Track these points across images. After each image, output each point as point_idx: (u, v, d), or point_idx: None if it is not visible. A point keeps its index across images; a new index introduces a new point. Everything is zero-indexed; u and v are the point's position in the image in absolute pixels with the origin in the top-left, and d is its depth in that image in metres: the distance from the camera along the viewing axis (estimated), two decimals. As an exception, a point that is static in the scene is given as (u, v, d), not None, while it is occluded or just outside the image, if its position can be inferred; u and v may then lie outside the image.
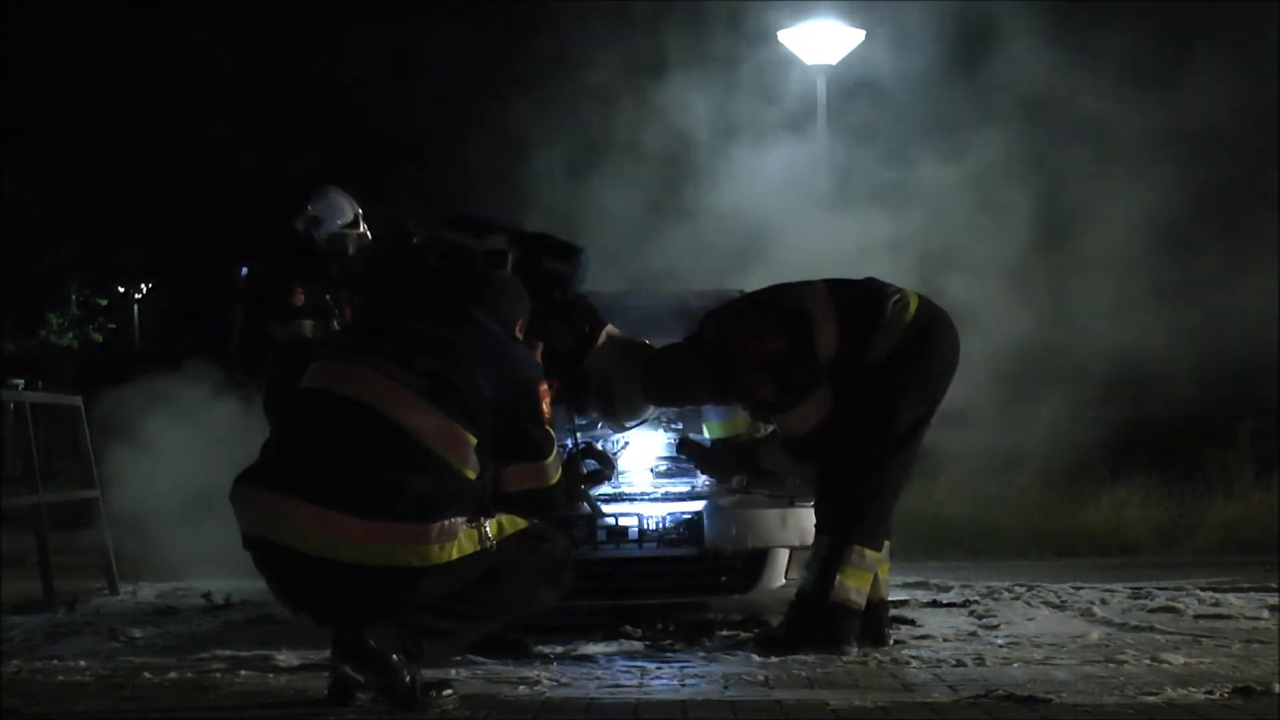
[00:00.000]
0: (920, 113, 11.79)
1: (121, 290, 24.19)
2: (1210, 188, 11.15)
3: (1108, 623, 6.20)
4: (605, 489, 5.61)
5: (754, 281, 6.39)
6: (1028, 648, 5.44)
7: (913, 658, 5.15)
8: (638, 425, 5.84)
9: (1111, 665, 4.95)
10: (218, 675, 4.79)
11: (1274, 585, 7.44)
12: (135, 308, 25.72)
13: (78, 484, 8.61)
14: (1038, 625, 6.15)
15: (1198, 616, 6.38)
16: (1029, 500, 11.79)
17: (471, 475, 4.14)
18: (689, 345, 5.55)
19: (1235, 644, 5.49)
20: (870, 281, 5.59)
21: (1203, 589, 7.42)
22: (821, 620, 5.28)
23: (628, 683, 4.68)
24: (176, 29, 17.88)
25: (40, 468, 7.72)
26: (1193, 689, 4.36)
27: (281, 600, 4.29)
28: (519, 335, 4.62)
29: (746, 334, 5.42)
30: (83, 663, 5.16)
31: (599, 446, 5.46)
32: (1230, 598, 7.00)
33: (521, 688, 4.51)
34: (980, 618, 6.38)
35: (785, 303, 5.47)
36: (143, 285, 25.14)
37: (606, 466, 5.18)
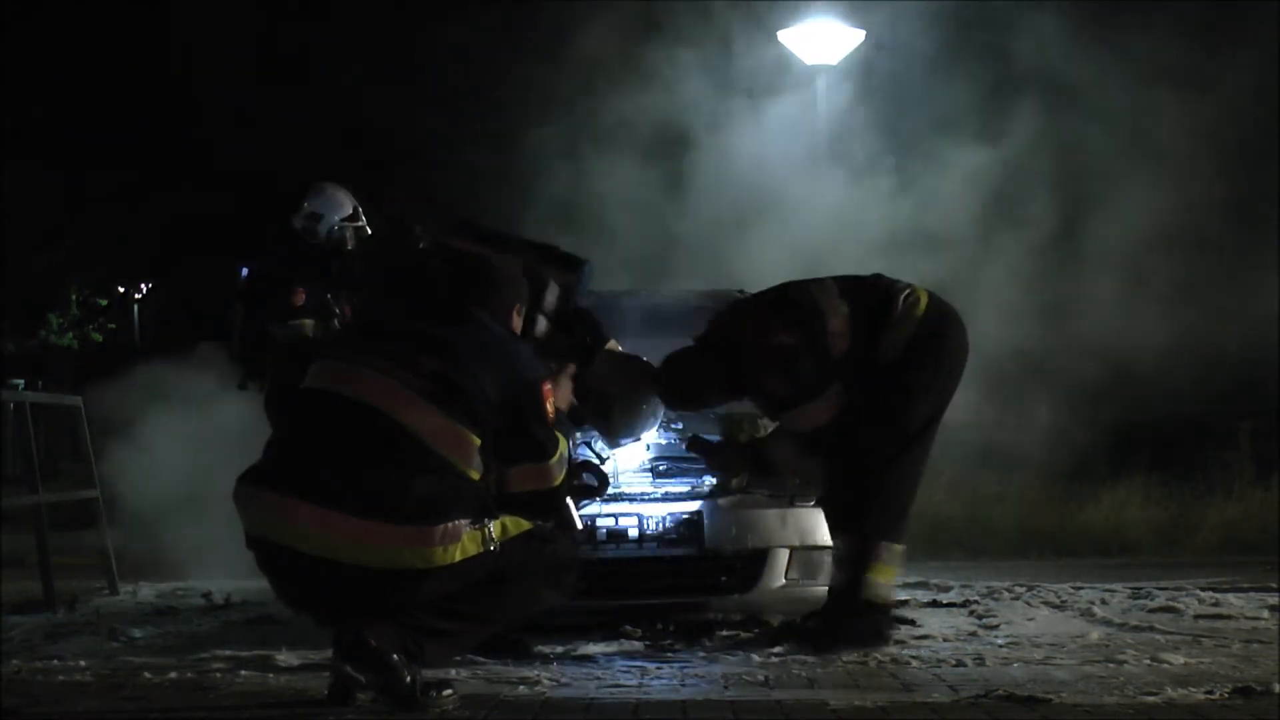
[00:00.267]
0: (920, 107, 11.79)
1: (121, 290, 24.20)
2: (1211, 187, 11.16)
3: (1108, 623, 6.20)
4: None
5: (755, 281, 6.39)
6: (1028, 648, 5.44)
7: (913, 658, 5.15)
8: (631, 442, 5.84)
9: (1111, 665, 4.95)
10: (218, 675, 4.79)
11: (1274, 585, 7.44)
12: (135, 308, 25.71)
13: (78, 484, 8.61)
14: (1038, 625, 6.14)
15: (1198, 616, 6.37)
16: (1029, 500, 11.79)
17: (475, 476, 4.13)
18: (699, 346, 5.56)
19: (1235, 644, 5.49)
20: (879, 278, 5.59)
21: (1203, 589, 7.42)
22: (857, 618, 5.31)
23: (628, 683, 4.68)
24: (176, 29, 17.88)
25: (40, 468, 7.72)
26: (1193, 689, 4.36)
27: (282, 600, 4.29)
28: (518, 316, 4.60)
29: (756, 332, 5.43)
30: (83, 663, 5.16)
31: (597, 462, 5.45)
32: (1230, 598, 7.00)
33: (521, 688, 4.51)
34: (980, 618, 6.38)
35: (794, 300, 5.47)
36: (143, 285, 25.14)
37: (601, 483, 5.17)
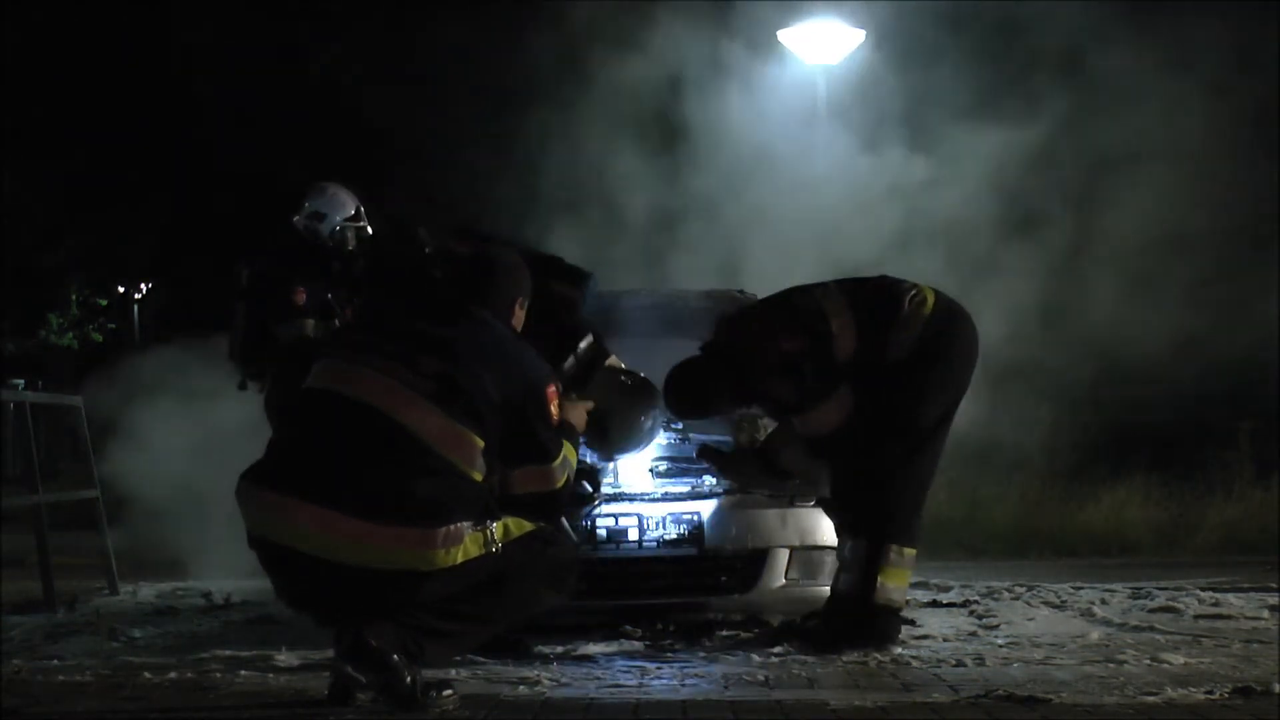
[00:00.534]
0: (921, 103, 11.78)
1: (121, 290, 24.21)
2: (1211, 186, 11.15)
3: (1108, 623, 6.20)
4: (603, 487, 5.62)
5: (755, 280, 6.39)
6: (1028, 648, 5.44)
7: (913, 658, 5.15)
8: (626, 456, 5.84)
9: (1111, 665, 4.94)
10: (218, 675, 4.78)
11: (1274, 585, 7.45)
12: (135, 308, 25.71)
13: (78, 484, 8.61)
14: (1038, 625, 6.14)
15: (1198, 616, 6.38)
16: (1029, 500, 11.80)
17: (478, 478, 4.12)
18: (705, 353, 5.55)
19: (1235, 644, 5.49)
20: (884, 278, 5.58)
21: (1203, 589, 7.43)
22: (867, 622, 5.32)
23: (628, 683, 4.67)
24: (176, 29, 17.89)
25: (40, 468, 7.72)
26: (1193, 689, 4.35)
27: (283, 599, 4.29)
28: (520, 310, 4.57)
29: (762, 337, 5.42)
30: (83, 662, 5.16)
31: (593, 470, 5.45)
32: (1230, 598, 7.00)
33: (521, 688, 4.51)
34: (980, 618, 6.38)
35: (799, 304, 5.46)
36: (143, 285, 25.15)
37: (596, 492, 5.15)
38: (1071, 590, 7.47)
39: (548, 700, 4.30)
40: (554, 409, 4.32)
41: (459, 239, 5.62)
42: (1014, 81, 11.20)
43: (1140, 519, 11.43)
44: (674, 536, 5.81)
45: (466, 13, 15.22)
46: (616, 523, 5.80)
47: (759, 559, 5.83)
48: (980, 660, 5.08)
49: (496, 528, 4.12)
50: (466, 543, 4.04)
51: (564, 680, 4.68)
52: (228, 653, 5.26)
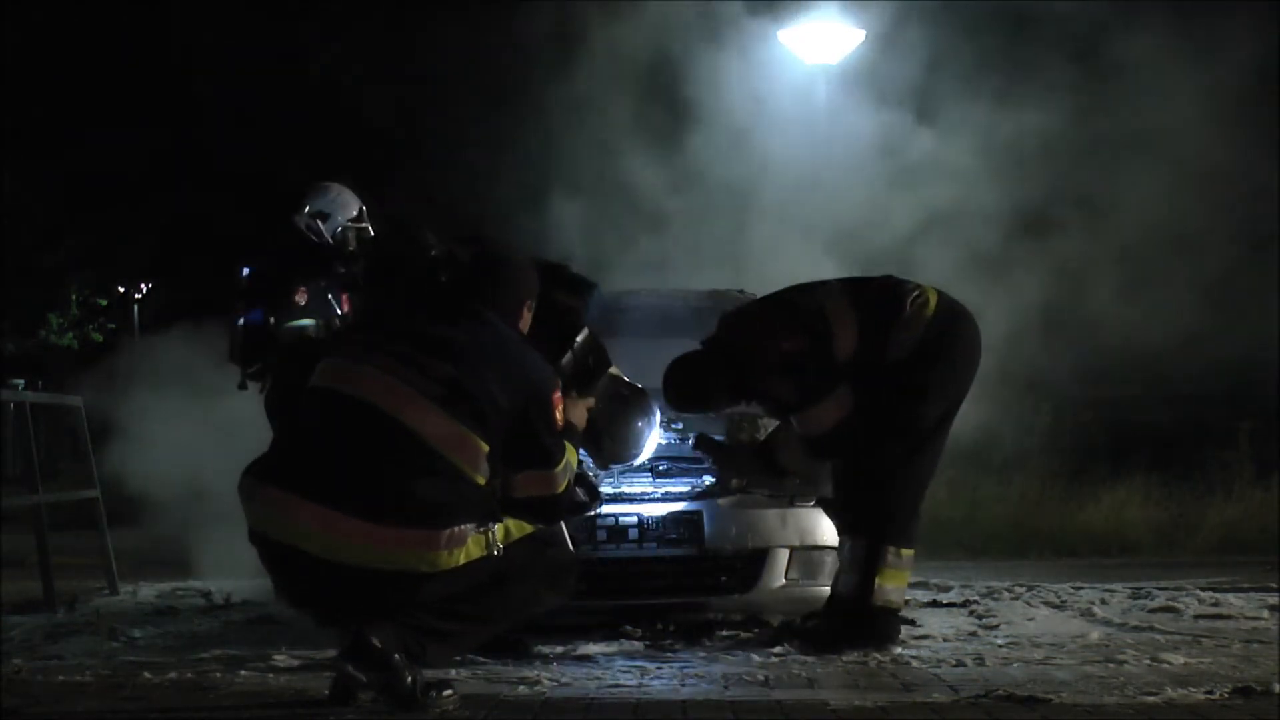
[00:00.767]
0: (923, 98, 11.78)
1: (121, 290, 24.21)
2: (1213, 185, 11.15)
3: (1108, 623, 6.20)
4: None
5: (754, 279, 6.39)
6: (1028, 648, 5.44)
7: (913, 658, 5.15)
8: (622, 465, 5.83)
9: (1111, 665, 4.94)
10: (218, 675, 4.78)
11: (1274, 585, 7.45)
12: (135, 308, 25.72)
13: (78, 484, 8.61)
14: (1038, 625, 6.14)
15: (1198, 616, 6.38)
16: (1029, 500, 11.80)
17: (481, 481, 4.11)
18: (705, 350, 5.55)
19: (1235, 644, 5.49)
20: (887, 278, 5.58)
21: (1203, 589, 7.43)
22: (866, 623, 5.32)
23: (628, 683, 4.67)
24: (176, 29, 17.89)
25: (40, 468, 7.72)
26: (1193, 689, 4.35)
27: (283, 598, 4.28)
28: (528, 313, 4.53)
29: (762, 335, 5.42)
30: (83, 662, 5.16)
31: (592, 478, 5.44)
32: (1230, 598, 7.00)
33: (521, 688, 4.51)
34: (980, 618, 6.38)
35: (800, 303, 5.46)
36: (143, 285, 25.15)
37: (593, 500, 5.15)
38: (1071, 590, 7.47)
39: (548, 700, 4.30)
40: (558, 414, 4.30)
41: (465, 245, 5.60)
42: (1024, 75, 11.18)
43: (1140, 519, 11.43)
44: (674, 536, 5.81)
45: (466, 13, 15.22)
46: (616, 522, 5.80)
47: (759, 559, 5.83)
48: (980, 660, 5.08)
49: (498, 529, 4.11)
50: (469, 544, 4.04)
51: (564, 680, 4.68)
52: (228, 653, 5.26)
